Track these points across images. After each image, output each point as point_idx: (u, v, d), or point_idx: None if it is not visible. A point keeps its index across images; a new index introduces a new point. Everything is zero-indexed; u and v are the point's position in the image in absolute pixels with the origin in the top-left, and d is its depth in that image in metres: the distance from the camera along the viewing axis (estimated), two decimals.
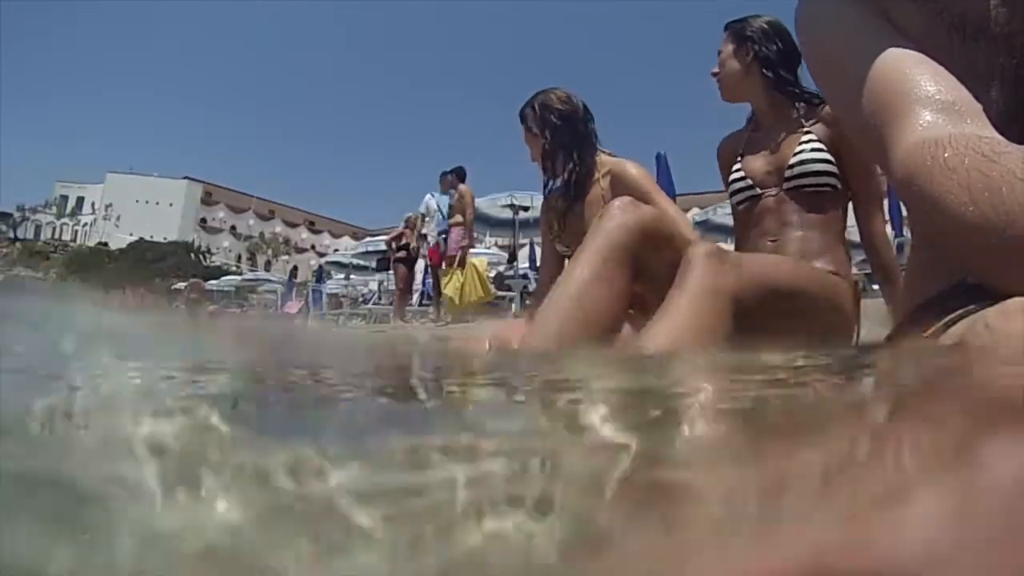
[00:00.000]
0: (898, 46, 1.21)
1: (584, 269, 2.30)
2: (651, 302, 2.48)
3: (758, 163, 2.94)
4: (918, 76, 1.15)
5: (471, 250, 12.22)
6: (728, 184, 3.06)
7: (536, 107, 3.53)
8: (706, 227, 21.06)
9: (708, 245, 2.12)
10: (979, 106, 1.11)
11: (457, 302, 11.07)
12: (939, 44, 1.23)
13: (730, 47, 3.03)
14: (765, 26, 3.00)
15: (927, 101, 1.11)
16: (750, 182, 2.92)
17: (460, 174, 11.76)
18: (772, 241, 2.80)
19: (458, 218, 11.44)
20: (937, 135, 1.04)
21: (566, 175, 3.40)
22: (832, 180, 2.76)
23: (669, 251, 2.37)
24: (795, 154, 2.79)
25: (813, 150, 2.77)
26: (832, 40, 1.33)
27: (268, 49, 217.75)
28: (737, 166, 3.02)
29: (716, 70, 3.08)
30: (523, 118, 3.58)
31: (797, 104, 2.94)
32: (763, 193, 2.88)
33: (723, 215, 18.83)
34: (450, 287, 11.16)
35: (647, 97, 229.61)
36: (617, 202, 2.45)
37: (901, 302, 1.44)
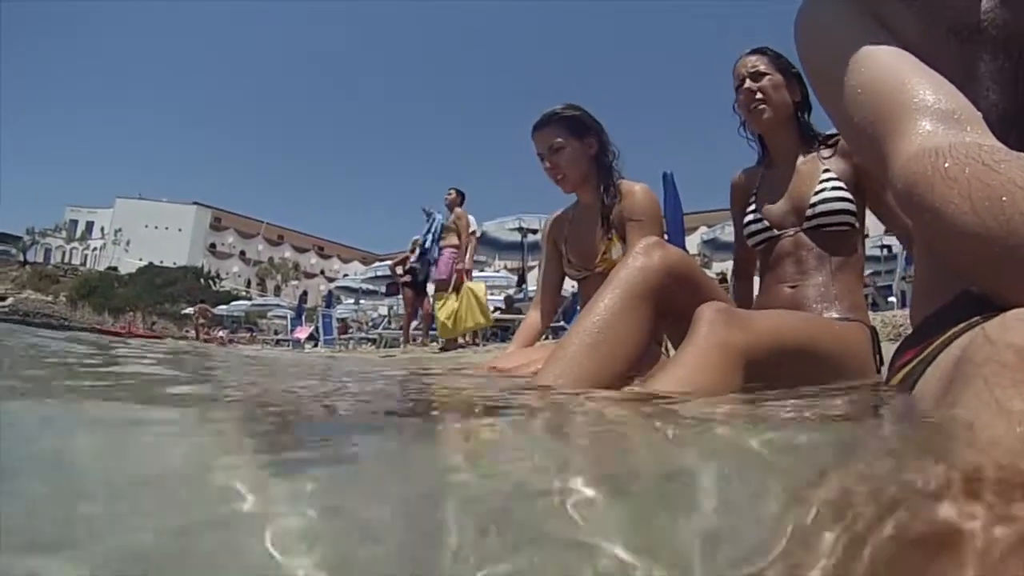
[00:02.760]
0: (897, 54, 1.21)
1: (607, 304, 2.28)
2: (677, 342, 2.47)
3: (775, 203, 2.90)
4: (917, 85, 1.14)
5: (473, 274, 12.09)
6: (743, 225, 3.02)
7: (586, 113, 3.44)
8: (714, 245, 21.03)
9: (717, 303, 2.09)
10: (979, 114, 1.11)
11: (450, 327, 10.71)
12: (937, 49, 1.23)
13: (779, 77, 2.90)
14: (800, 71, 2.88)
15: (926, 110, 1.10)
16: (767, 224, 2.89)
17: (462, 194, 11.64)
18: (791, 288, 2.78)
19: (452, 240, 11.34)
20: (937, 144, 1.03)
21: (603, 202, 3.35)
22: (851, 219, 2.73)
23: (694, 293, 2.37)
24: (816, 193, 2.76)
25: (834, 188, 2.73)
26: (830, 49, 1.31)
27: (276, 75, 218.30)
28: (752, 207, 2.98)
29: (762, 97, 2.90)
30: (570, 120, 3.42)
31: (815, 145, 2.90)
32: (781, 234, 2.85)
33: (731, 233, 18.62)
34: (443, 311, 10.83)
35: (653, 116, 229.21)
36: (643, 241, 2.44)
37: (912, 310, 1.43)
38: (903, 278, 13.50)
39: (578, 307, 3.89)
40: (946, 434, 0.78)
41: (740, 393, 1.88)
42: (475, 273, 12.51)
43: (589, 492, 0.64)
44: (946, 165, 0.98)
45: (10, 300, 59.02)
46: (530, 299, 15.52)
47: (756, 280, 3.30)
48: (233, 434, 1.15)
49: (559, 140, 3.39)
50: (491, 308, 15.07)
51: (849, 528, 0.50)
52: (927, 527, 0.48)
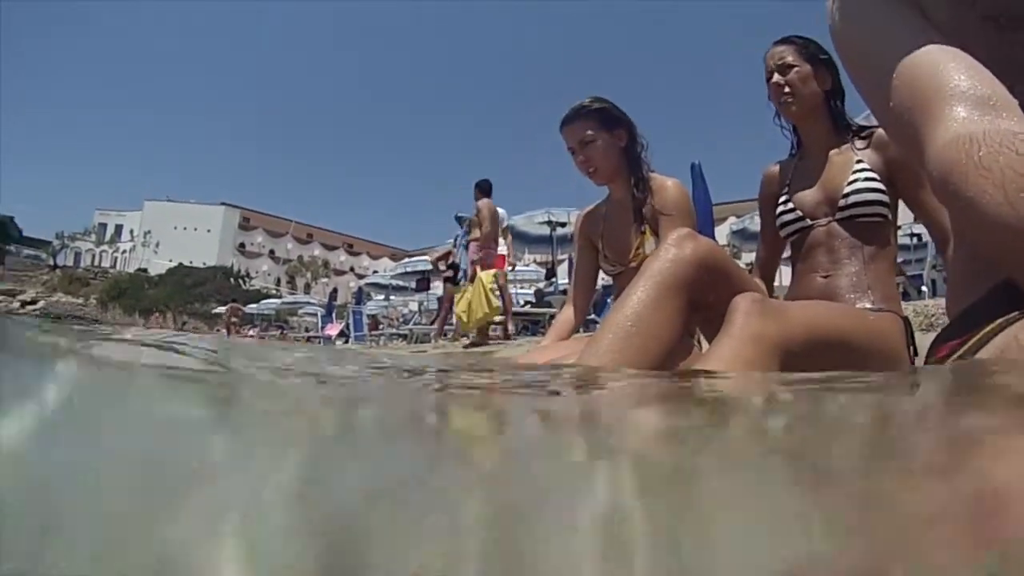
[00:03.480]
0: (931, 39, 1.19)
1: (640, 297, 2.26)
2: (710, 335, 2.46)
3: (808, 193, 2.91)
4: (952, 70, 1.12)
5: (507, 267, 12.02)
6: (776, 216, 3.02)
7: (614, 105, 3.46)
8: (743, 236, 20.93)
9: (753, 294, 2.10)
10: (1015, 101, 1.08)
11: (466, 320, 10.84)
12: (972, 35, 1.21)
13: (807, 67, 2.90)
14: (830, 56, 2.90)
15: (962, 96, 1.08)
16: (799, 214, 2.90)
17: (483, 187, 11.66)
18: (824, 277, 2.78)
19: (475, 233, 11.37)
20: (971, 131, 1.02)
21: (635, 194, 3.39)
22: (884, 210, 2.73)
23: (726, 285, 2.36)
24: (849, 183, 2.76)
25: (867, 179, 2.74)
26: (865, 34, 1.30)
27: (303, 74, 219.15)
28: (784, 197, 2.99)
29: (789, 90, 2.92)
30: (600, 112, 3.44)
31: (850, 135, 2.90)
32: (813, 224, 2.86)
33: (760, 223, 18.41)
34: (460, 304, 10.97)
35: (680, 105, 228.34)
36: (675, 233, 2.43)
37: (948, 300, 1.41)
38: (934, 267, 13.45)
39: (609, 300, 3.89)
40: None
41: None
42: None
43: None
44: (980, 153, 0.97)
45: (41, 303, 60.02)
46: (561, 292, 15.57)
47: (780, 271, 3.31)
48: None
49: (590, 132, 3.40)
50: (521, 302, 15.07)
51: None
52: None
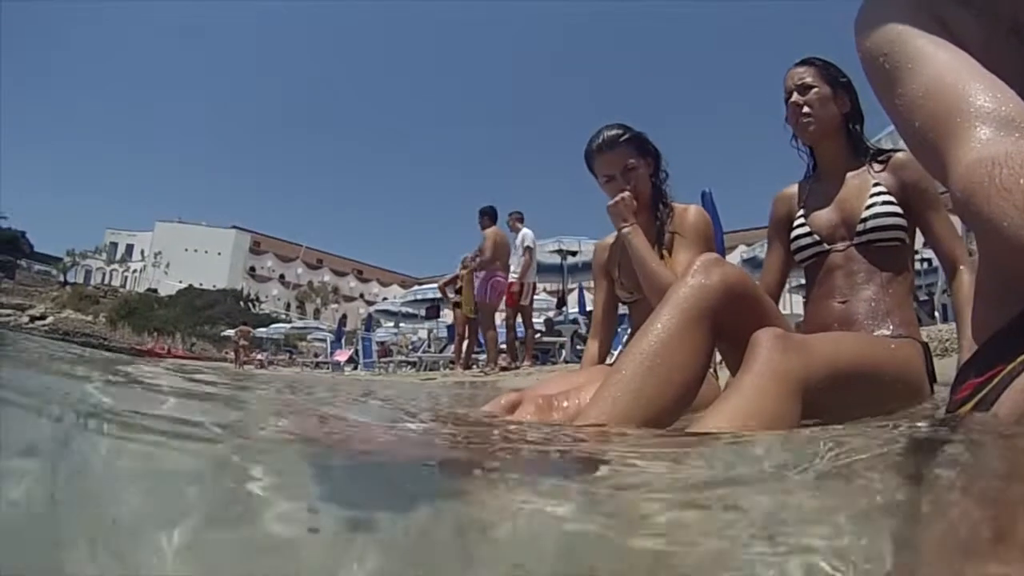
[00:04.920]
0: (957, 57, 1.19)
1: (664, 325, 2.19)
2: (732, 363, 2.41)
3: (825, 217, 2.88)
4: (977, 90, 1.11)
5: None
6: (791, 239, 2.99)
7: (645, 136, 3.42)
8: (753, 264, 20.80)
9: (774, 329, 2.03)
10: None
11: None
12: (999, 51, 1.21)
13: (827, 89, 2.87)
14: (849, 79, 2.88)
15: (986, 116, 1.07)
16: (817, 238, 2.87)
17: (489, 214, 11.75)
18: (841, 303, 2.75)
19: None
20: (994, 153, 1.01)
21: (662, 221, 3.35)
22: (902, 234, 2.72)
23: (752, 314, 2.30)
24: (867, 207, 2.74)
25: (885, 203, 2.72)
26: (890, 51, 1.28)
27: (314, 101, 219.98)
28: (800, 220, 2.96)
29: (808, 110, 2.88)
30: (638, 139, 3.40)
31: (867, 159, 2.88)
32: (831, 249, 2.83)
33: None
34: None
35: (689, 134, 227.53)
36: (701, 259, 2.35)
37: (974, 326, 1.39)
38: (944, 292, 13.45)
39: (619, 329, 3.84)
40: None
41: (802, 427, 1.84)
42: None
43: None
44: (1002, 175, 0.96)
45: (51, 319, 60.02)
46: (571, 321, 15.47)
47: (789, 299, 3.28)
48: None
49: (632, 160, 3.36)
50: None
51: None
52: None
